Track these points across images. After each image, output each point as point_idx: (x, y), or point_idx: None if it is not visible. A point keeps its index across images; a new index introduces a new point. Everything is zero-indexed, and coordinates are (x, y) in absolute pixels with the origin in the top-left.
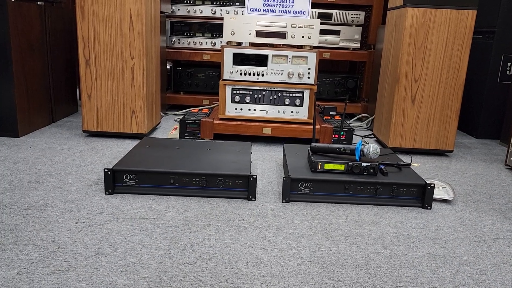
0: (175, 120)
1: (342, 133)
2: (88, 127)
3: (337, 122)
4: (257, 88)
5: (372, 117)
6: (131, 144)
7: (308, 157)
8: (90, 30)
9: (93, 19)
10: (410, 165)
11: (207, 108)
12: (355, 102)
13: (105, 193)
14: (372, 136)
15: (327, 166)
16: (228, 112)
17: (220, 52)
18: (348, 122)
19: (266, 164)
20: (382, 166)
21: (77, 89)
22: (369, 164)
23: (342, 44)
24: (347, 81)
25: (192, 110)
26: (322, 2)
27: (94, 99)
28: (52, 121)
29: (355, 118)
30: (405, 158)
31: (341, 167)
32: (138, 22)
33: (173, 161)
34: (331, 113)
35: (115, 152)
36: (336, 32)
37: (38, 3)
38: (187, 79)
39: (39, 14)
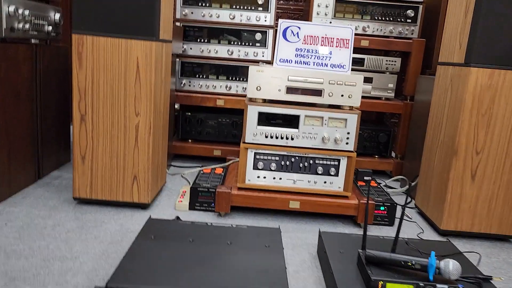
0: (182, 176)
1: (382, 207)
2: (80, 194)
3: (375, 192)
4: (285, 153)
5: (413, 183)
6: (130, 217)
7: (360, 267)
8: (88, 81)
9: (92, 67)
10: (491, 278)
11: (221, 168)
12: (386, 158)
13: None
14: (414, 206)
15: (391, 287)
16: (249, 180)
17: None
18: (381, 184)
19: (297, 255)
20: (461, 286)
21: (71, 135)
22: (446, 286)
23: (374, 93)
24: (379, 135)
25: (204, 171)
26: (354, 46)
27: (88, 161)
28: (38, 177)
29: (390, 180)
30: (462, 246)
31: None
32: (146, 72)
33: (186, 271)
34: (365, 178)
35: (111, 232)
36: (368, 80)
37: (33, 41)
38: (197, 126)
39: (30, 55)
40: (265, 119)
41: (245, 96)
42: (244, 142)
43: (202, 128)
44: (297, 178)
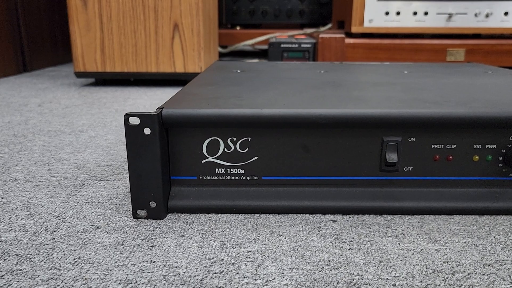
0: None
1: None
2: (86, 65)
3: None
4: None
5: None
6: (173, 94)
7: None
8: None
9: None
10: None
11: (302, 34)
12: None
13: (135, 217)
14: None
15: None
16: (371, 21)
17: None
18: None
19: None
20: None
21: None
22: None
23: None
24: None
25: (278, 37)
26: None
27: (94, 3)
28: (23, 71)
29: None
30: None
31: None
32: None
33: (313, 93)
34: None
35: (144, 106)
36: None
37: None
38: (248, 4)
39: None
40: None
41: None
42: None
43: (256, 7)
44: (456, 10)
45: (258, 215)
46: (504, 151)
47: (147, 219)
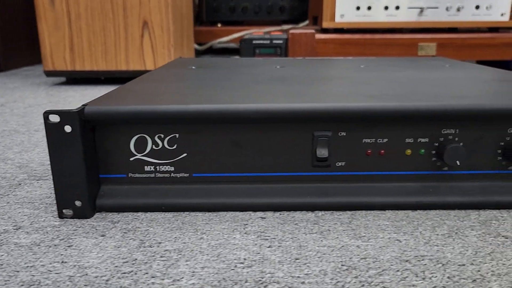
0: None
1: None
2: (55, 64)
3: None
4: None
5: None
6: None
7: None
8: None
9: None
10: None
11: (279, 30)
12: None
13: (60, 217)
14: None
15: None
16: (342, 16)
17: None
18: None
19: None
20: None
21: None
22: None
23: None
24: None
25: (254, 33)
26: None
27: (62, 0)
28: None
29: None
30: None
31: None
32: None
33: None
34: None
35: None
36: None
37: None
38: (228, 1)
39: None
40: None
41: None
42: None
43: (236, 3)
44: (427, 4)
45: (187, 213)
46: (436, 144)
47: (73, 218)
